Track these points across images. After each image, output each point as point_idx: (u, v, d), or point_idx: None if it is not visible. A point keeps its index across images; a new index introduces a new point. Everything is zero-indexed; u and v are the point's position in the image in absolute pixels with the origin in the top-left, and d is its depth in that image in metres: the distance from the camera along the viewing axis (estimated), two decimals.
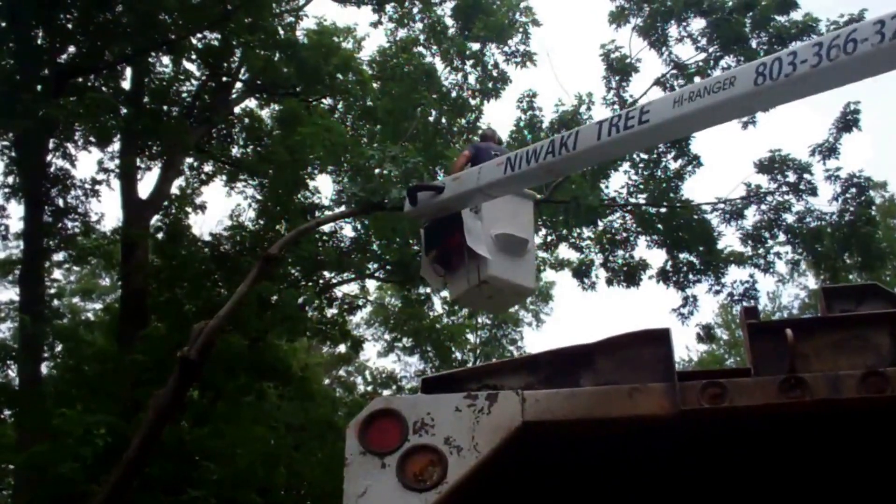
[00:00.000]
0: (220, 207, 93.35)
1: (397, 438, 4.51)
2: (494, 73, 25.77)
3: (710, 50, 23.88)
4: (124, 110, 23.79)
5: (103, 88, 23.93)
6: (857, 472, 5.06)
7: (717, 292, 24.90)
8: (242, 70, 26.99)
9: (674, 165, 24.66)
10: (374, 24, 27.19)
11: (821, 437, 4.82)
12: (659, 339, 4.64)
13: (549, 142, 8.19)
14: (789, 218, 24.04)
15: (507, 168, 8.77)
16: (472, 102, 26.29)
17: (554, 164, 8.35)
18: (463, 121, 26.63)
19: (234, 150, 28.34)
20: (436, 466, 4.43)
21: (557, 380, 4.70)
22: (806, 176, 23.56)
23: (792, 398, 4.32)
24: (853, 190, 23.41)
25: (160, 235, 26.33)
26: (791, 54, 6.75)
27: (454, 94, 25.99)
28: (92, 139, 24.52)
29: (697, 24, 24.12)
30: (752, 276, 24.70)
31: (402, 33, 26.81)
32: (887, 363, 4.41)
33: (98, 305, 40.98)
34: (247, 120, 27.87)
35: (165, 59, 25.61)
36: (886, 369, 4.33)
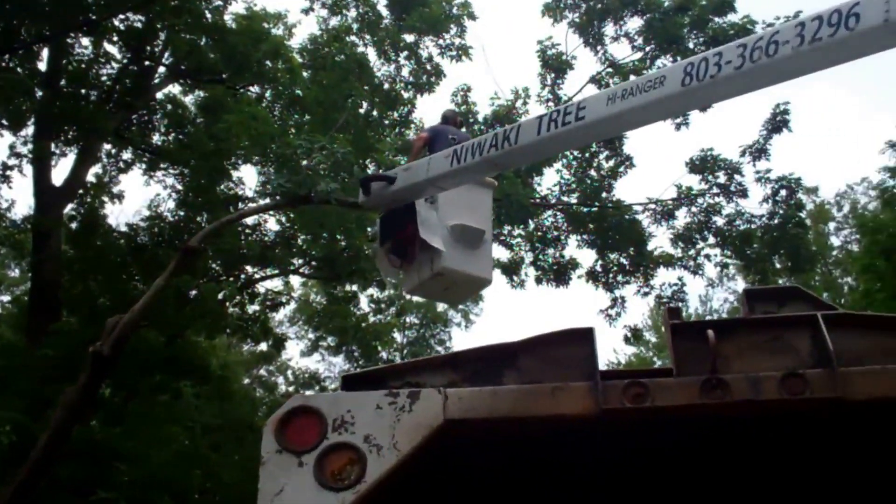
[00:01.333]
0: (138, 197, 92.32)
1: (315, 436, 4.54)
2: (429, 66, 25.82)
3: (647, 49, 24.20)
4: (39, 93, 23.46)
5: (18, 69, 23.52)
6: (776, 470, 5.22)
7: (646, 294, 25.27)
8: (166, 54, 26.69)
9: (606, 165, 24.95)
10: (306, 11, 27.04)
11: (741, 437, 4.96)
12: (583, 339, 4.75)
13: (492, 135, 8.32)
14: (719, 220, 24.47)
15: (453, 160, 8.87)
16: (406, 95, 26.30)
17: (497, 158, 8.48)
18: (395, 113, 26.64)
19: (155, 138, 27.91)
20: (354, 465, 4.47)
21: (481, 378, 4.76)
22: (736, 177, 24.01)
23: (713, 399, 4.45)
24: (783, 192, 23.87)
25: (74, 225, 25.97)
26: (717, 55, 6.93)
27: (387, 86, 25.96)
28: (4, 122, 24.13)
29: (634, 23, 24.49)
30: (680, 278, 25.08)
31: (334, 21, 26.72)
32: (807, 365, 4.56)
33: (6, 298, 40.35)
34: (169, 106, 27.51)
35: (85, 41, 25.37)
36: (806, 371, 4.48)
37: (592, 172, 24.84)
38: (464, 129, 13.73)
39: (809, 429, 4.81)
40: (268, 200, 24.12)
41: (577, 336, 4.78)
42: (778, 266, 25.30)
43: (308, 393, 45.52)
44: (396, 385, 4.78)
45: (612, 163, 24.85)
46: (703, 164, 24.12)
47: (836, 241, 48.12)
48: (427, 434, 4.53)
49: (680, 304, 26.26)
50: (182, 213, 26.48)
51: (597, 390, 4.52)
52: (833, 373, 4.42)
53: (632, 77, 22.10)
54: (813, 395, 4.43)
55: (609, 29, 24.69)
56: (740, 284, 34.82)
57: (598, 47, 24.61)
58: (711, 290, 47.91)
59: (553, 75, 24.43)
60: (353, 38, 26.07)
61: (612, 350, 52.16)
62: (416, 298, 44.93)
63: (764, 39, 6.65)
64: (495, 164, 8.82)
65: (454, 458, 4.91)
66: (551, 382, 4.62)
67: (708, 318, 50.80)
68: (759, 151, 23.69)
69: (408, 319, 47.43)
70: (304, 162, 19.97)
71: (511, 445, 4.96)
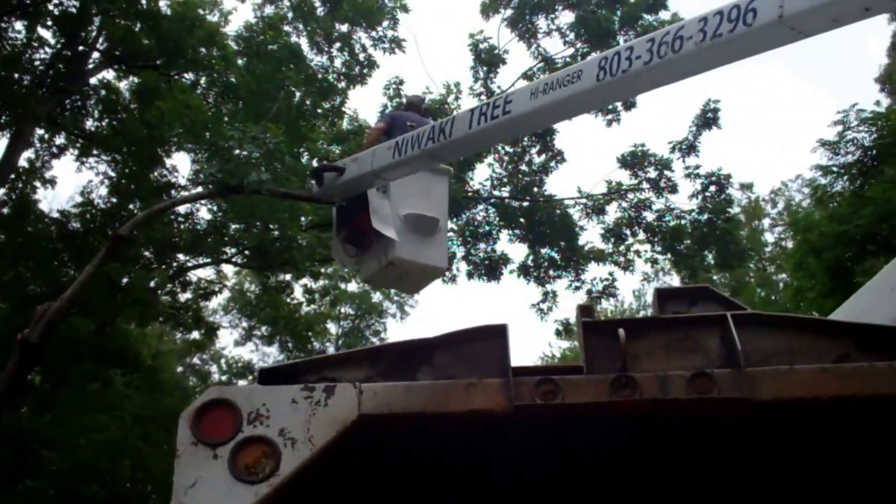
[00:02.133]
0: (70, 183, 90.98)
1: (230, 429, 4.52)
2: (361, 57, 25.81)
3: (578, 45, 24.36)
4: None
5: None
6: (685, 467, 5.28)
7: (577, 288, 25.45)
8: (100, 39, 26.34)
9: (538, 160, 25.08)
10: None
11: (650, 434, 5.01)
12: (496, 335, 4.77)
13: (430, 127, 8.37)
14: (649, 216, 24.71)
15: (395, 152, 8.89)
16: (339, 86, 26.25)
17: (434, 151, 8.53)
18: (328, 104, 26.58)
19: (88, 124, 27.57)
20: (269, 458, 4.45)
21: (396, 373, 4.77)
22: (667, 173, 24.25)
23: (622, 396, 4.49)
24: (713, 188, 24.16)
25: (5, 210, 25.62)
26: (629, 49, 7.01)
27: (320, 76, 25.89)
28: None
29: (566, 17, 24.62)
30: (611, 273, 25.31)
31: (269, 10, 26.59)
32: (715, 365, 4.61)
33: None
34: (103, 92, 27.17)
35: (18, 25, 24.98)
36: (714, 371, 4.53)
37: (524, 167, 24.96)
38: (430, 118, 13.57)
39: (717, 427, 4.87)
40: (200, 189, 23.97)
41: (490, 333, 4.80)
42: (711, 260, 25.60)
43: (242, 383, 45.56)
44: (313, 379, 4.77)
45: (543, 157, 24.98)
46: (634, 160, 24.35)
47: (770, 237, 48.85)
48: (341, 429, 4.52)
49: (611, 299, 26.56)
50: (114, 201, 26.22)
51: (509, 387, 4.54)
52: (740, 373, 4.47)
53: None
54: (720, 395, 4.47)
55: (541, 23, 24.82)
56: (676, 280, 35.20)
57: (531, 41, 24.73)
58: (647, 284, 48.40)
59: (485, 69, 24.51)
60: (287, 27, 25.97)
61: (546, 343, 52.60)
62: (350, 288, 44.99)
63: (670, 34, 6.74)
64: (433, 155, 8.87)
65: (369, 453, 4.92)
66: (465, 379, 4.64)
67: (642, 312, 51.45)
68: (689, 147, 23.96)
69: (342, 310, 47.40)
70: (237, 151, 19.86)
71: (426, 440, 4.97)
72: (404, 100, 13.95)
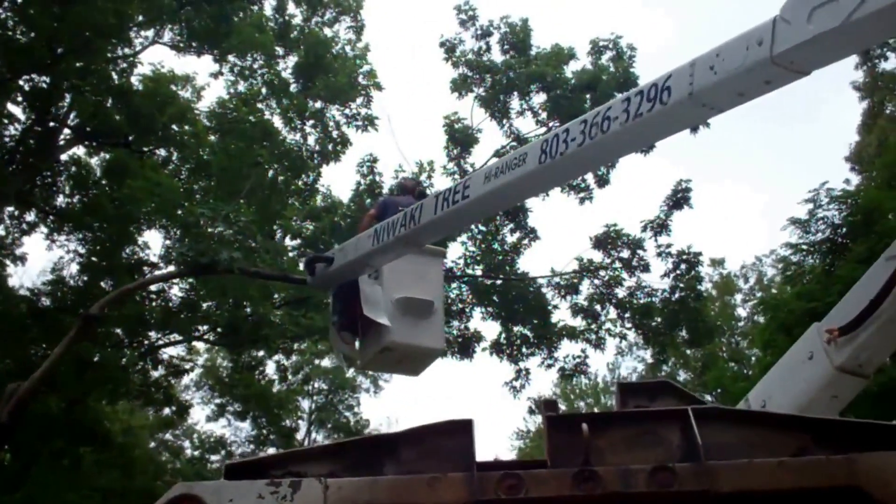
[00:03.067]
0: (41, 260, 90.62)
1: None
2: (335, 134, 25.99)
3: (550, 124, 24.64)
4: None
5: None
6: None
7: (550, 366, 25.42)
8: (71, 115, 26.44)
9: (511, 238, 25.24)
10: (215, 75, 27.13)
11: None
12: (461, 430, 4.83)
13: (402, 215, 8.55)
14: (620, 292, 24.83)
15: (374, 240, 9.04)
16: (312, 163, 26.41)
17: (408, 237, 8.71)
18: (301, 181, 26.73)
19: (59, 200, 27.58)
20: None
21: (362, 468, 4.83)
22: (639, 252, 24.43)
23: (585, 490, 4.55)
24: (683, 266, 24.36)
25: None
26: (565, 132, 7.20)
27: (293, 153, 26.03)
28: None
29: (539, 98, 24.91)
30: (584, 350, 25.36)
31: (242, 86, 26.79)
32: (676, 458, 4.70)
33: None
34: (73, 168, 27.18)
35: None
36: (675, 465, 4.61)
37: (497, 245, 25.10)
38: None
39: None
40: (172, 267, 23.99)
41: (456, 427, 4.86)
42: (683, 336, 25.72)
43: (215, 458, 45.10)
44: (279, 474, 4.81)
45: (516, 236, 25.15)
46: (607, 240, 24.55)
47: (742, 312, 49.13)
48: None
49: (583, 376, 26.58)
50: (85, 278, 26.15)
51: (472, 481, 4.59)
52: (700, 466, 4.54)
53: None
54: (681, 488, 4.55)
55: (514, 103, 25.12)
56: (648, 353, 35.37)
57: (503, 121, 25.01)
58: (620, 358, 48.52)
59: (459, 149, 24.73)
60: (259, 104, 26.15)
61: (521, 419, 52.49)
62: (323, 363, 44.90)
63: (599, 115, 6.93)
64: (408, 241, 9.03)
65: None
66: (429, 473, 4.70)
67: (615, 386, 51.23)
68: (660, 226, 24.18)
69: (315, 384, 47.23)
70: (209, 229, 19.95)
71: None
72: (402, 180, 13.97)
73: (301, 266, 17.99)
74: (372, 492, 4.64)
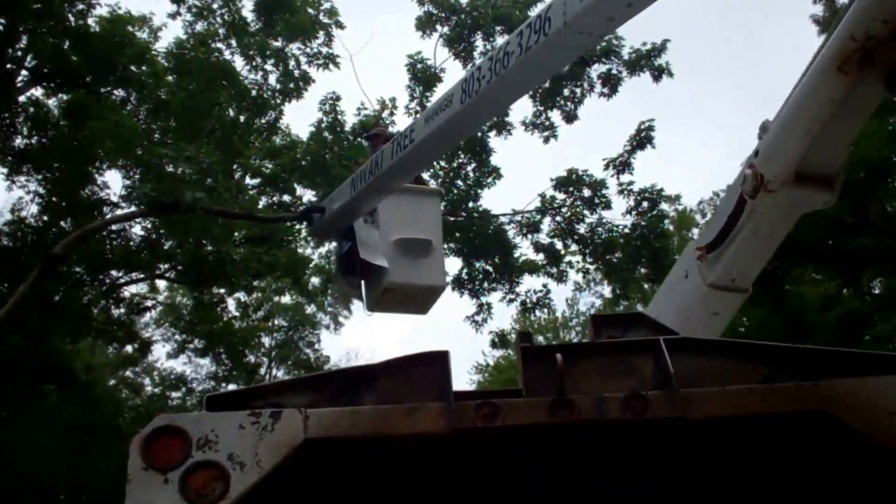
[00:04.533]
0: (0, 201, 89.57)
1: (180, 455, 4.60)
2: (296, 73, 25.76)
3: None
4: None
5: None
6: (621, 484, 5.45)
7: (511, 301, 25.60)
8: (28, 57, 26.00)
9: (473, 175, 25.23)
10: (173, 16, 26.69)
11: (588, 455, 5.18)
12: (438, 361, 4.91)
13: (370, 161, 8.67)
14: (582, 229, 24.93)
15: (351, 188, 9.11)
16: (274, 102, 26.19)
17: (376, 182, 8.82)
18: (263, 120, 26.54)
19: (18, 141, 27.14)
20: (218, 482, 4.54)
21: (342, 398, 4.90)
22: (601, 191, 24.51)
23: (560, 418, 4.65)
24: (645, 204, 24.50)
25: None
26: (477, 69, 7.28)
27: (254, 92, 25.80)
28: None
29: (503, 39, 24.75)
30: (545, 285, 25.54)
31: (200, 26, 26.41)
32: (649, 386, 4.81)
33: None
34: (32, 109, 26.76)
35: None
36: (647, 392, 4.72)
37: (459, 182, 25.13)
38: None
39: (652, 446, 5.05)
40: (133, 207, 23.82)
41: (433, 359, 4.94)
42: (643, 271, 25.91)
43: (175, 395, 45.16)
44: (259, 405, 4.87)
45: (478, 174, 25.15)
46: (569, 181, 24.62)
47: None
48: (288, 452, 4.63)
49: (545, 309, 26.79)
50: (46, 219, 25.91)
51: (450, 410, 4.68)
52: (673, 394, 4.66)
53: None
54: (654, 415, 4.66)
55: (479, 43, 25.01)
56: (607, 289, 35.54)
57: (468, 62, 24.89)
58: (578, 293, 48.79)
59: (422, 88, 24.64)
60: (219, 44, 25.83)
61: (480, 352, 52.77)
62: (284, 300, 44.88)
63: (501, 51, 7.03)
64: (377, 188, 9.14)
65: (316, 475, 5.01)
66: (408, 403, 4.78)
67: (575, 319, 51.76)
68: (623, 165, 24.28)
69: (276, 322, 47.22)
70: (171, 168, 19.81)
71: (371, 464, 5.09)
72: (376, 131, 13.93)
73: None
74: (352, 422, 4.71)
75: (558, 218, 24.95)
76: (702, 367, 4.88)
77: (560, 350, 4.84)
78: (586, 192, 24.57)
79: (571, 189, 24.63)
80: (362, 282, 9.90)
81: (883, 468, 4.88)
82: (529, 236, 25.10)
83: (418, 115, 23.62)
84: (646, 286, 26.87)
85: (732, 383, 4.74)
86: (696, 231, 50.01)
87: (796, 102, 7.73)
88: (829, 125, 7.50)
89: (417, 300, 10.18)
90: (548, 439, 4.93)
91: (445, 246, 25.27)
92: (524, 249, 25.35)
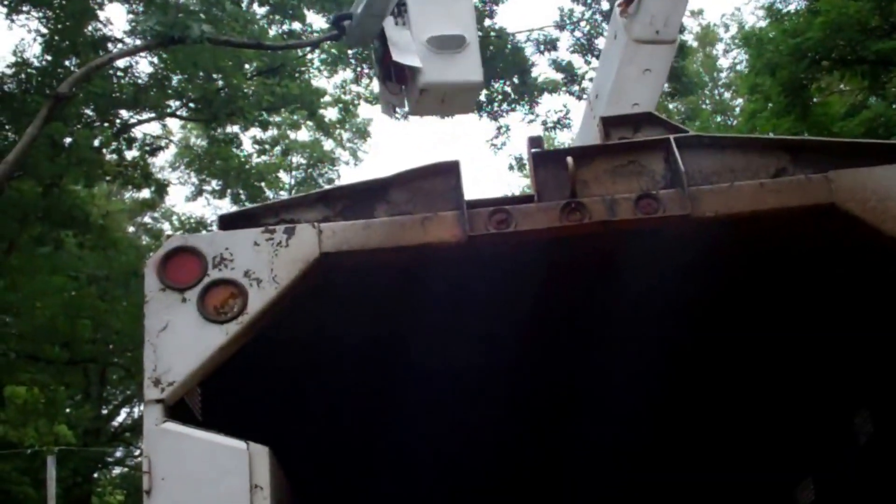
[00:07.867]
0: (1, 43, 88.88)
1: (197, 273, 4.75)
2: None
3: None
4: None
5: None
6: (633, 283, 5.59)
7: (531, 121, 25.56)
8: None
9: None
10: None
11: (600, 257, 5.31)
12: (449, 171, 5.01)
13: None
14: (601, 44, 24.67)
15: None
16: None
17: None
18: None
19: None
20: (236, 299, 4.71)
21: (354, 212, 5.02)
22: None
23: (572, 221, 4.77)
24: None
25: None
26: None
27: None
28: None
29: None
30: (565, 105, 25.48)
31: None
32: (660, 186, 4.91)
33: None
34: None
35: None
36: (659, 192, 4.83)
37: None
38: None
39: (662, 245, 5.15)
40: (138, 42, 23.64)
41: (444, 169, 5.03)
42: (665, 89, 25.73)
43: (186, 234, 45.46)
44: (272, 222, 5.00)
45: None
46: None
47: (725, 62, 48.69)
48: (304, 267, 4.77)
49: (565, 129, 26.76)
50: (49, 59, 25.74)
51: (463, 218, 4.79)
52: (684, 192, 4.75)
53: None
54: (666, 214, 4.77)
55: None
56: None
57: None
58: None
59: None
60: None
61: (500, 180, 52.78)
62: (300, 137, 44.73)
63: None
64: None
65: (332, 289, 5.15)
66: (421, 213, 4.89)
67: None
68: None
69: (294, 160, 47.13)
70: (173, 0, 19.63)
71: (385, 275, 5.22)
72: None
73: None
74: (366, 234, 4.85)
75: (577, 33, 24.65)
76: (713, 164, 4.97)
77: (571, 153, 4.93)
78: (605, 5, 24.19)
79: (590, 1, 24.23)
80: (402, 87, 9.88)
81: (891, 263, 4.99)
82: (548, 54, 24.85)
83: None
84: (670, 105, 26.69)
85: (743, 179, 4.83)
86: (720, 46, 49.37)
87: None
88: None
89: (457, 99, 10.14)
90: (559, 242, 5.01)
91: None
92: (543, 68, 25.18)
